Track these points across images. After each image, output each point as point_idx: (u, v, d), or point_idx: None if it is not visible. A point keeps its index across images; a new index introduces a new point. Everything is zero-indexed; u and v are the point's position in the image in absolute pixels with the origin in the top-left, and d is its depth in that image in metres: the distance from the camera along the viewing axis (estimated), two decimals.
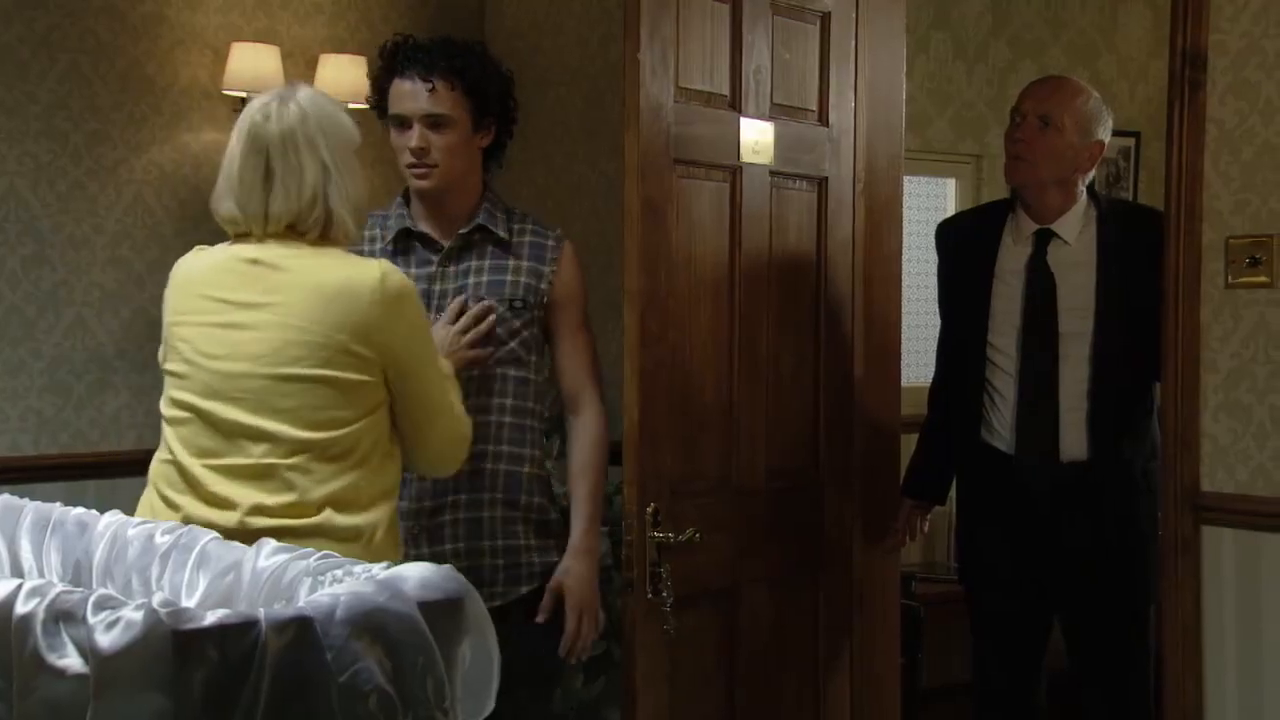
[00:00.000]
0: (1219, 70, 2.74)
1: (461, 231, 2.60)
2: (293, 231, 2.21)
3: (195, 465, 2.20)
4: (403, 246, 2.60)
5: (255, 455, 2.17)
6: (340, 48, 3.98)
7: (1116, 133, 5.01)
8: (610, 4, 3.70)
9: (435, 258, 2.60)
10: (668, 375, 2.67)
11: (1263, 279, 2.70)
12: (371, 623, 1.47)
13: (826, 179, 3.07)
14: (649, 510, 2.58)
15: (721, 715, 2.86)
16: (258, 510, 2.15)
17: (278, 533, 2.04)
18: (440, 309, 2.55)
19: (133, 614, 1.38)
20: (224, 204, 2.27)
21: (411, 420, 2.27)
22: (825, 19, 3.05)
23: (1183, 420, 2.78)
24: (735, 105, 2.85)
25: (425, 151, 2.51)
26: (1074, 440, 3.02)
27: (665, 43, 2.65)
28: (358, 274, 2.20)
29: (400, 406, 2.25)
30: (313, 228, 2.21)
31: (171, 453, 2.25)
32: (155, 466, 2.30)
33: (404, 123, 2.53)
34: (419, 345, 2.25)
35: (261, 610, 1.45)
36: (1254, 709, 2.72)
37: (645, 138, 2.59)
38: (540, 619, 2.51)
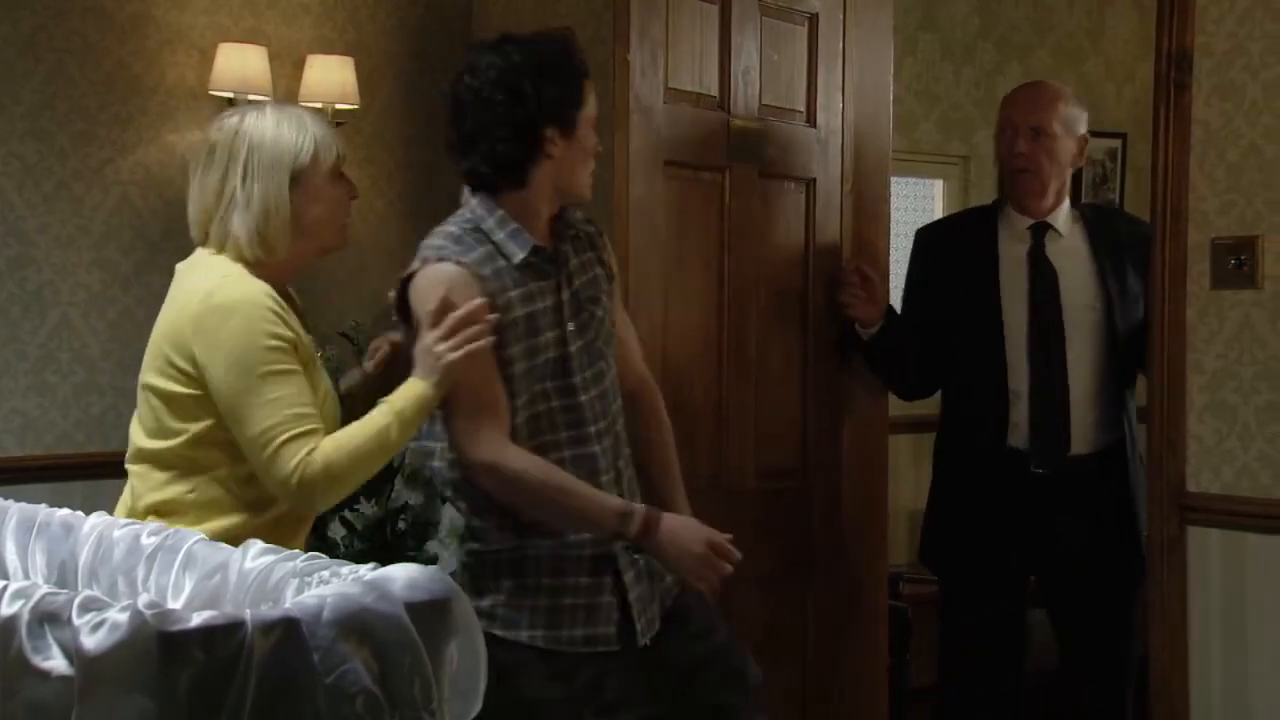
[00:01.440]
0: (1204, 72, 2.75)
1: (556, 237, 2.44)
2: (203, 238, 2.25)
3: None
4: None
5: (127, 459, 2.26)
6: (328, 48, 3.97)
7: (1103, 134, 5.06)
8: (598, 5, 3.69)
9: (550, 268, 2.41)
10: (657, 375, 2.67)
11: (1248, 280, 2.71)
12: (358, 624, 1.46)
13: (814, 179, 3.08)
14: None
15: None
16: (110, 512, 2.17)
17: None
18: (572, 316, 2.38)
19: (118, 616, 1.37)
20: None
21: (237, 440, 2.18)
22: (813, 20, 3.06)
23: (1169, 421, 2.79)
24: (724, 106, 2.85)
25: None
26: (1082, 433, 3.06)
27: (654, 44, 2.65)
28: (193, 285, 2.19)
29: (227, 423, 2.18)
30: (215, 240, 2.22)
31: None
32: None
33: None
34: (228, 357, 2.14)
35: (248, 611, 1.44)
36: (1239, 707, 2.73)
37: (635, 138, 2.59)
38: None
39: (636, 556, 2.33)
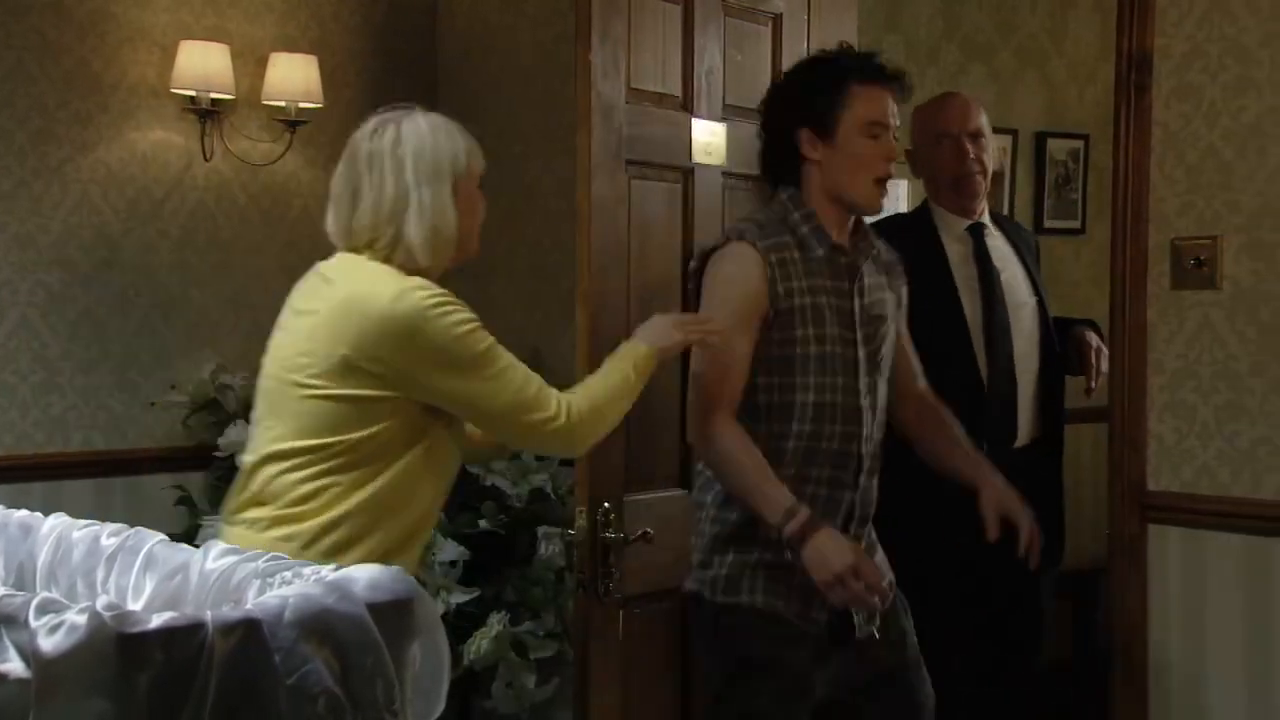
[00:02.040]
0: (1164, 74, 2.77)
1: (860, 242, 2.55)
2: (368, 248, 2.24)
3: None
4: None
5: (256, 452, 2.24)
6: (291, 47, 3.96)
7: (1066, 135, 5.09)
8: (563, 5, 3.70)
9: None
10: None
11: (1207, 281, 2.74)
12: (320, 624, 1.46)
13: None
14: (600, 510, 2.58)
15: (674, 715, 2.86)
16: (238, 507, 2.23)
17: (247, 524, 2.17)
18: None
19: (76, 617, 1.36)
20: (326, 217, 2.33)
21: (476, 422, 2.28)
22: (777, 21, 3.06)
23: (1129, 420, 2.81)
24: (687, 106, 2.85)
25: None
26: (1027, 424, 3.15)
27: (617, 44, 2.65)
28: (377, 291, 2.18)
29: (457, 413, 2.25)
30: (383, 247, 2.23)
31: None
32: None
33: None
34: (439, 361, 2.17)
35: (209, 612, 1.43)
36: (1197, 703, 2.76)
37: (597, 139, 2.59)
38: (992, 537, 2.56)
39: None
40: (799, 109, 2.46)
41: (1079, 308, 4.65)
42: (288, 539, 2.13)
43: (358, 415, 2.16)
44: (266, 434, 2.23)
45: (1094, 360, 3.20)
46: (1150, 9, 2.76)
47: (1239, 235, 2.70)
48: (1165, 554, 2.80)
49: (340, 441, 2.16)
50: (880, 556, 2.58)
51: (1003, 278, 3.16)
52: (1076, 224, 5.09)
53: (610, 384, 2.31)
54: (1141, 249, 2.81)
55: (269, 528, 2.16)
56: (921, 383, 2.70)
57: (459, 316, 2.18)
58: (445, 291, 2.21)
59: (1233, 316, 2.71)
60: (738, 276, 2.42)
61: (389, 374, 2.16)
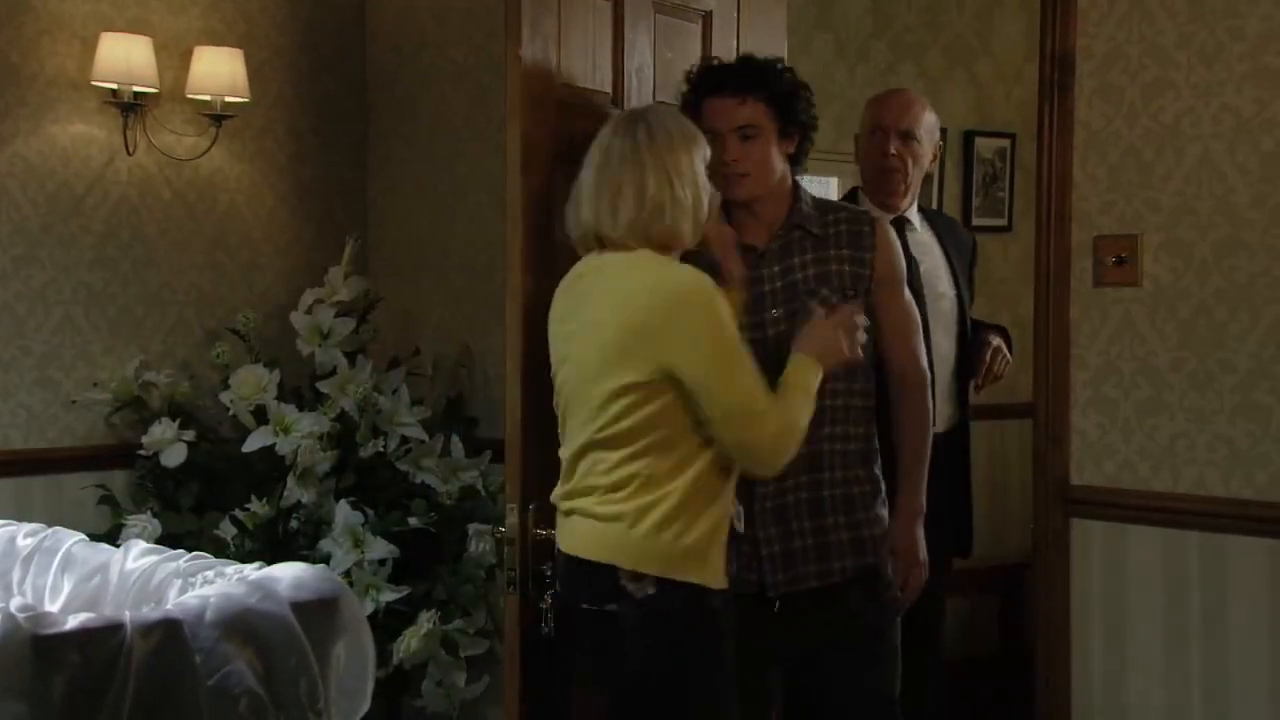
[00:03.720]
0: (1086, 74, 2.82)
1: (780, 233, 2.68)
2: (634, 240, 2.36)
3: None
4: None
5: (570, 445, 2.41)
6: (216, 40, 3.90)
7: (993, 134, 5.15)
8: (493, 1, 3.68)
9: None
10: (551, 373, 2.66)
11: (1128, 278, 2.78)
12: (242, 624, 1.45)
13: None
14: (531, 508, 2.57)
15: (603, 711, 2.86)
16: (566, 495, 2.41)
17: (565, 514, 2.40)
18: (771, 308, 2.63)
19: None
20: (569, 219, 2.45)
21: (708, 419, 2.33)
22: (707, 18, 3.07)
23: (1053, 416, 2.85)
24: (618, 103, 2.85)
25: (738, 161, 2.63)
26: (943, 412, 3.18)
27: (547, 40, 2.65)
28: (647, 278, 2.34)
29: (697, 406, 2.33)
30: (655, 238, 2.36)
31: None
32: None
33: (718, 137, 2.62)
34: (700, 350, 2.30)
35: (127, 613, 1.41)
36: (1118, 695, 2.81)
37: (528, 134, 2.58)
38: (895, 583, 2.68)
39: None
40: None
41: (1006, 304, 4.72)
42: (616, 518, 2.31)
43: (648, 405, 2.30)
44: (577, 428, 2.38)
45: (987, 358, 3.29)
46: (1072, 10, 2.80)
47: (1158, 234, 2.75)
48: (1088, 548, 2.84)
49: (637, 430, 2.30)
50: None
51: (922, 269, 3.23)
52: (1004, 221, 5.16)
53: (804, 403, 2.40)
54: (1065, 246, 2.85)
55: (599, 509, 2.33)
56: (898, 362, 2.74)
57: (727, 307, 2.35)
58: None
59: (1153, 313, 2.76)
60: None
61: (655, 356, 2.28)
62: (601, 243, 2.41)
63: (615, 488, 2.32)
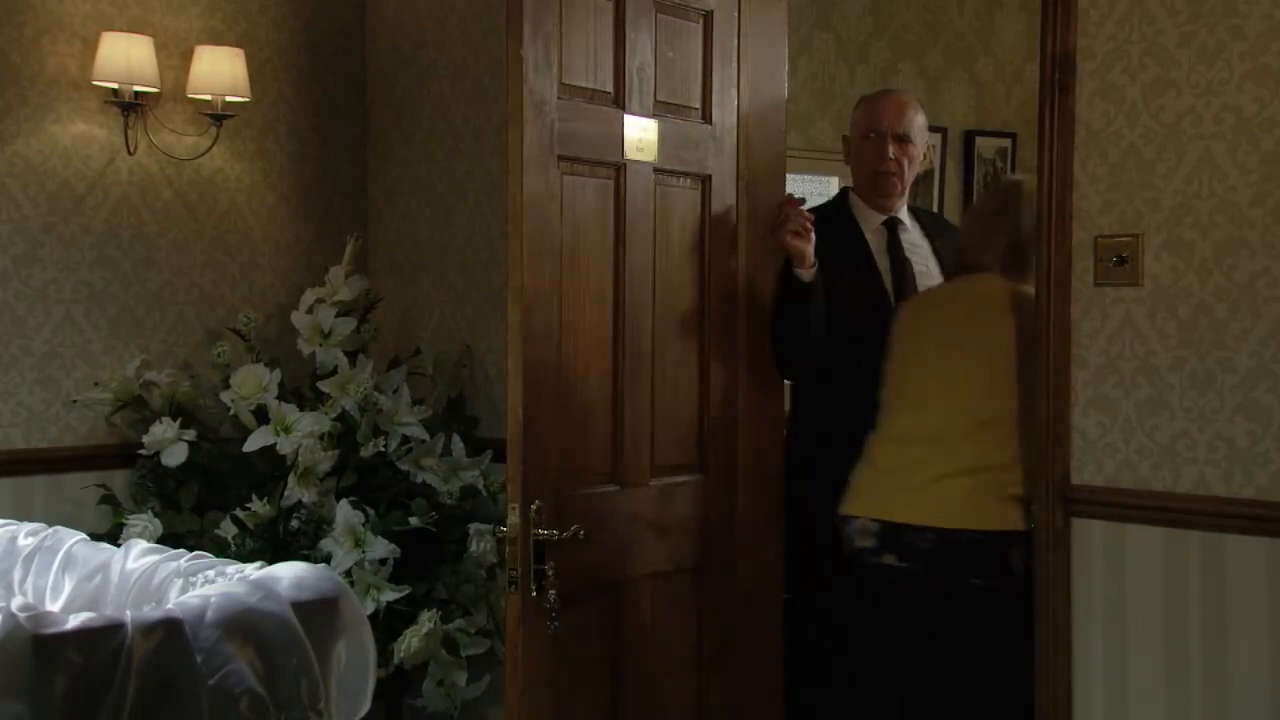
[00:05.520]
0: (1086, 73, 2.81)
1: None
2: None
3: None
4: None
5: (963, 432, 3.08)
6: (217, 40, 3.90)
7: (994, 134, 5.15)
8: (493, 0, 3.68)
9: None
10: (552, 372, 2.66)
11: (1129, 277, 2.78)
12: (243, 624, 1.44)
13: (710, 176, 3.09)
14: (532, 507, 2.57)
15: (605, 713, 2.86)
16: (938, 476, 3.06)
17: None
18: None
19: None
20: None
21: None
22: (708, 18, 3.07)
23: (1054, 415, 2.85)
24: (619, 102, 2.85)
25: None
26: None
27: (548, 39, 2.64)
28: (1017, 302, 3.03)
29: None
30: (1027, 267, 2.97)
31: None
32: None
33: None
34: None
35: (128, 613, 1.41)
36: (1120, 694, 2.81)
37: (529, 134, 2.58)
38: None
39: None
40: None
41: None
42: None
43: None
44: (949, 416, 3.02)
45: None
46: (1072, 10, 2.80)
47: (1159, 233, 2.75)
48: (1089, 548, 2.84)
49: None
50: None
51: (914, 269, 3.29)
52: None
53: None
54: (1066, 246, 2.85)
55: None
56: None
57: None
58: None
59: (1153, 313, 2.76)
60: None
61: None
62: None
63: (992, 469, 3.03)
